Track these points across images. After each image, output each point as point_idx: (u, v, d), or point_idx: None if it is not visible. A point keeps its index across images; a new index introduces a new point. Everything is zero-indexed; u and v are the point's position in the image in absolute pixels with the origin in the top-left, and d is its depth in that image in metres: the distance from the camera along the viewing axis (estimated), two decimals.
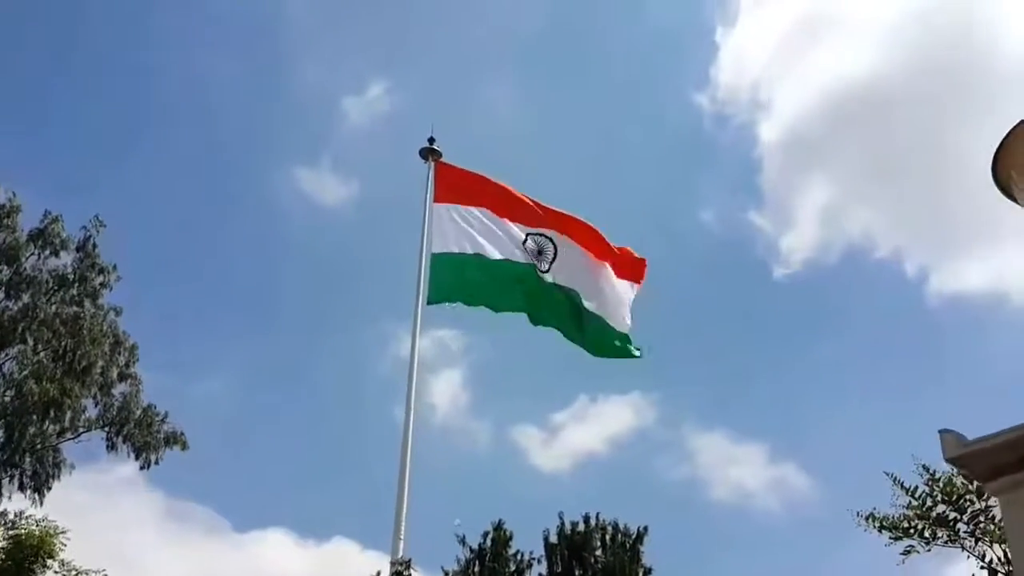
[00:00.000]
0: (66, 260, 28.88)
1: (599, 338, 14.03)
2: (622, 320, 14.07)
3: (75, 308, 28.32)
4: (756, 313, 53.13)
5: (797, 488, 45.31)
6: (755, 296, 53.12)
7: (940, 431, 4.95)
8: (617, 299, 14.16)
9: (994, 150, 5.99)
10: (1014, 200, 6.10)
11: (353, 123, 55.04)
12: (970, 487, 9.42)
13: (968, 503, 9.49)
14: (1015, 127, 5.90)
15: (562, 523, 19.71)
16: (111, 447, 27.67)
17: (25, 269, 28.19)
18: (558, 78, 56.79)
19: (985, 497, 9.38)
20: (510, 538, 19.13)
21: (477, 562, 18.68)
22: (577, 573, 19.01)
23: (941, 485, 9.63)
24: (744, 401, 48.91)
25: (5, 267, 28.05)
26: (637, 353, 14.27)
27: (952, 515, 9.67)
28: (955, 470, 9.02)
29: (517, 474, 44.41)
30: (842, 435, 43.35)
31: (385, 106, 53.43)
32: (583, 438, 47.24)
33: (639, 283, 14.45)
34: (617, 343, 13.97)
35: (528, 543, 19.81)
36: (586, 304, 14.11)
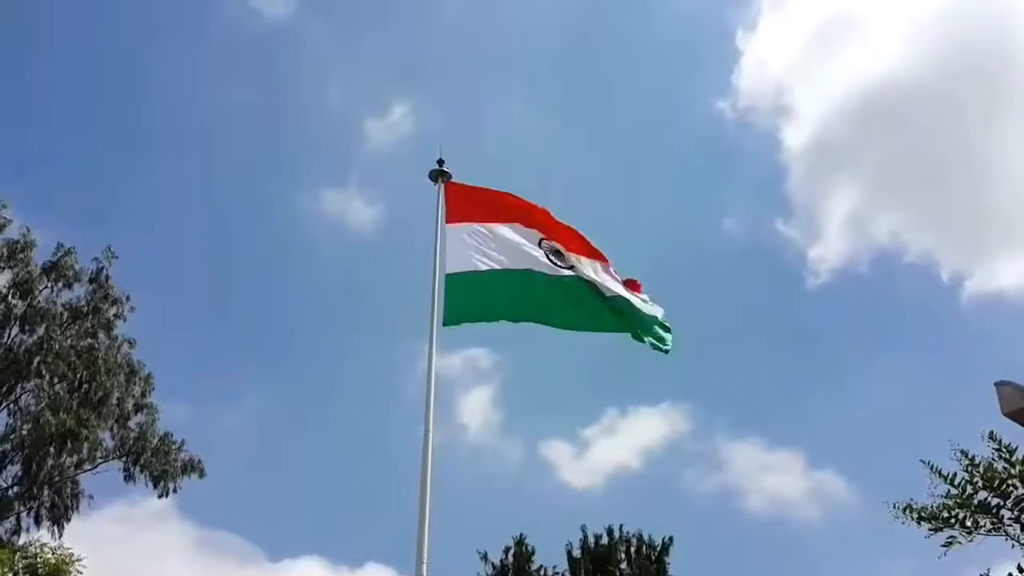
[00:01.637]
0: (79, 292, 28.98)
1: (638, 320, 13.78)
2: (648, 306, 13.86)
3: (89, 340, 28.32)
4: (786, 320, 52.83)
5: (835, 495, 44.57)
6: (784, 303, 52.88)
7: (997, 383, 4.72)
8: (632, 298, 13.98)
9: None
10: None
11: (376, 145, 55.13)
12: (1012, 471, 9.11)
13: (1012, 488, 9.14)
14: None
15: (585, 536, 19.45)
16: (129, 477, 27.59)
17: (39, 302, 28.19)
18: (578, 90, 57.02)
19: None
20: (532, 553, 18.88)
21: None
22: None
23: (981, 471, 9.30)
24: (778, 409, 48.42)
25: (20, 301, 28.06)
26: (667, 345, 13.97)
27: (995, 502, 9.32)
28: (997, 451, 8.74)
29: (548, 490, 44.22)
30: (880, 439, 42.68)
31: (408, 126, 53.48)
32: (614, 452, 46.84)
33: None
34: (656, 327, 13.72)
35: (557, 558, 19.58)
36: (612, 294, 13.90)
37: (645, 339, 13.75)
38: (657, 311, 13.93)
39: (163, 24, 55.69)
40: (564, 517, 38.40)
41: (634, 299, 13.83)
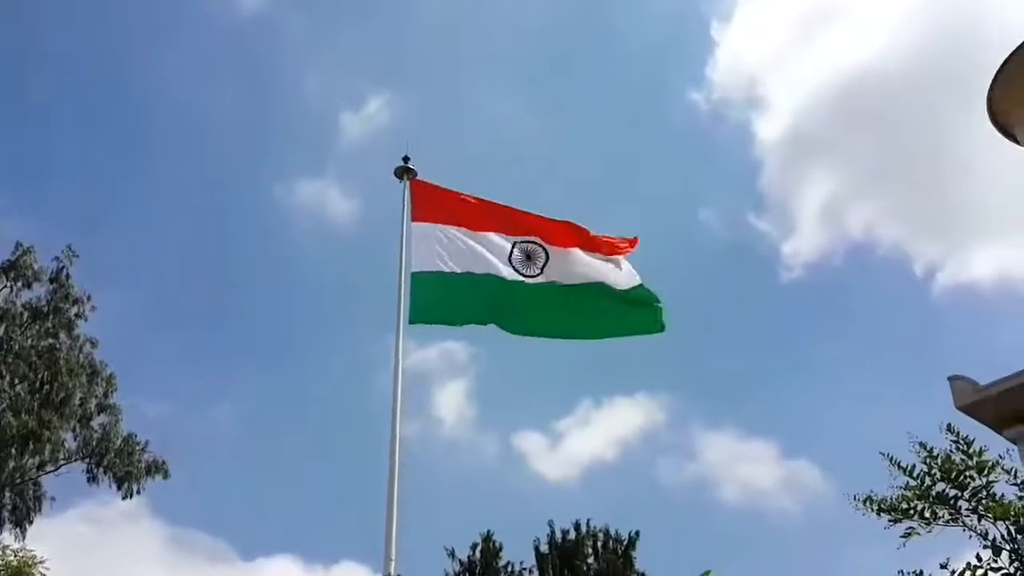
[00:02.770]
0: (40, 292, 28.66)
1: (628, 313, 13.70)
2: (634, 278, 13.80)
3: (51, 340, 28.01)
4: (760, 311, 52.88)
5: (810, 485, 44.74)
6: (759, 294, 52.89)
7: (950, 377, 4.74)
8: (620, 273, 13.90)
9: (989, 86, 5.81)
10: (1013, 138, 5.91)
11: (352, 138, 54.69)
12: (969, 463, 9.19)
13: (969, 479, 9.21)
14: (1011, 56, 5.71)
15: (552, 532, 19.45)
16: (92, 479, 27.35)
17: None
18: (555, 81, 56.60)
19: (986, 473, 9.14)
20: (500, 549, 18.85)
21: (467, 575, 18.41)
22: None
23: (939, 462, 9.36)
24: (752, 400, 48.52)
25: None
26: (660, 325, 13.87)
27: (952, 493, 9.39)
28: (955, 443, 8.81)
29: (522, 483, 44.10)
30: (853, 429, 42.81)
31: (385, 119, 53.13)
32: (588, 443, 46.77)
33: (626, 252, 14.14)
34: (643, 310, 13.64)
35: (528, 553, 19.57)
36: (599, 280, 13.80)
37: (625, 333, 13.72)
38: (635, 280, 13.78)
39: (138, 18, 54.91)
40: (539, 510, 38.46)
41: (617, 281, 13.71)
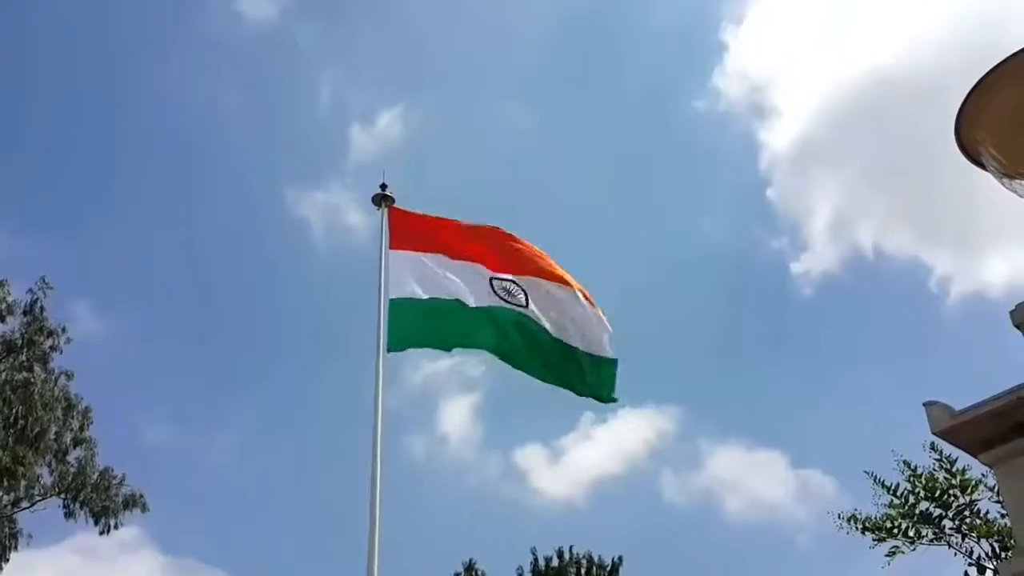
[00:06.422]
0: (13, 325, 28.19)
1: (584, 373, 13.54)
2: (604, 349, 13.62)
3: (25, 374, 27.57)
4: (769, 323, 52.81)
5: (822, 495, 44.40)
6: (767, 305, 52.82)
7: (925, 403, 4.61)
8: (594, 329, 13.73)
9: (956, 114, 5.73)
10: (981, 166, 5.84)
11: (364, 149, 54.44)
12: (953, 482, 9.09)
13: (952, 498, 9.13)
14: (979, 85, 5.62)
15: (536, 559, 19.25)
16: (69, 514, 26.88)
17: None
18: (564, 91, 56.78)
19: (969, 491, 9.04)
20: None
21: None
22: None
23: (923, 481, 9.28)
24: (761, 412, 48.26)
25: None
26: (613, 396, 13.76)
27: (936, 512, 9.30)
28: (938, 461, 8.71)
29: (524, 499, 43.83)
30: (865, 441, 42.59)
31: (396, 132, 52.99)
32: (590, 458, 46.41)
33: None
34: (605, 377, 13.49)
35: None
36: (567, 340, 13.65)
37: (583, 393, 13.57)
38: (605, 347, 13.65)
39: (148, 28, 54.70)
40: (543, 526, 38.17)
41: (582, 340, 13.56)
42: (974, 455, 4.43)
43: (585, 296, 14.00)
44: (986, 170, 5.80)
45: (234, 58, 56.23)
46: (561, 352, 13.57)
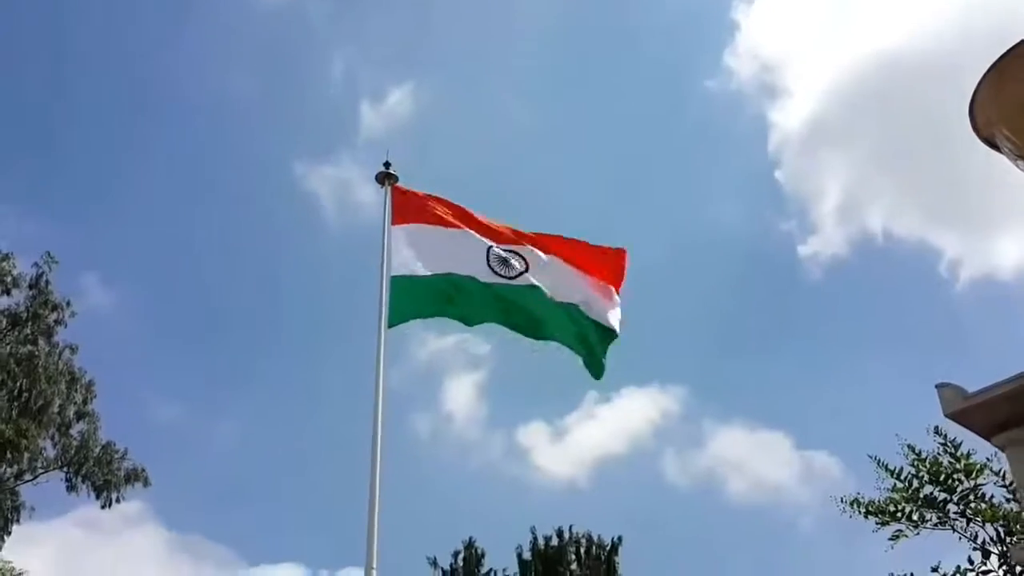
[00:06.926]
0: (19, 298, 28.28)
1: (583, 335, 13.59)
2: (608, 321, 13.62)
3: (29, 347, 27.64)
4: (777, 305, 52.55)
5: (827, 476, 44.25)
6: (776, 286, 52.56)
7: (937, 385, 4.59)
8: (601, 303, 13.74)
9: (970, 98, 5.69)
10: (996, 148, 5.79)
11: (374, 126, 54.20)
12: (957, 466, 9.05)
13: (957, 482, 9.09)
14: (993, 68, 5.59)
15: (535, 538, 19.30)
16: (71, 487, 27.04)
17: None
18: (575, 72, 56.40)
19: (974, 476, 9.01)
20: (482, 556, 18.69)
21: None
22: None
23: (928, 465, 9.23)
24: (768, 394, 48.09)
25: None
26: (601, 366, 13.76)
27: (941, 496, 9.27)
28: (943, 445, 8.68)
29: (526, 477, 43.82)
30: (872, 424, 42.43)
31: (406, 110, 52.75)
32: (593, 437, 46.30)
33: (618, 283, 14.04)
34: (600, 347, 13.50)
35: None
36: (567, 301, 13.67)
37: (580, 355, 13.59)
38: (614, 320, 13.65)
39: (159, 4, 54.49)
40: (545, 504, 38.16)
41: (593, 307, 13.58)
42: (987, 437, 4.42)
43: (592, 272, 14.03)
44: (1000, 152, 5.76)
45: (247, 35, 56.23)
46: (560, 313, 13.62)
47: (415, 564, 18.71)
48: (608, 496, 44.18)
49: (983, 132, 5.86)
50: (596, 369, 13.58)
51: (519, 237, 14.09)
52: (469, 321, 13.99)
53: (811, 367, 51.05)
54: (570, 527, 19.46)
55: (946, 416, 4.76)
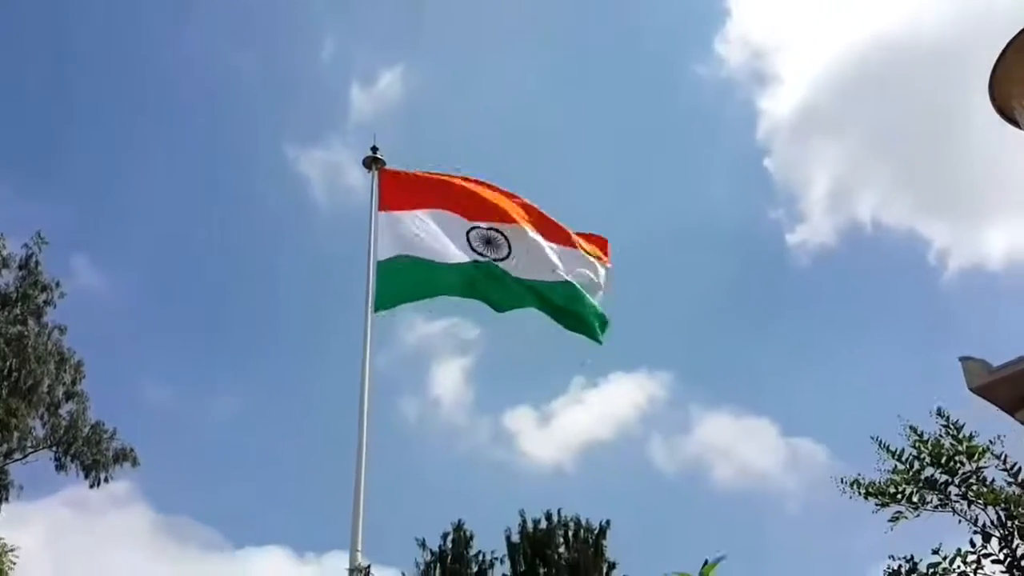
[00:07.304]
0: (8, 279, 28.18)
1: (576, 308, 13.71)
2: (595, 293, 13.77)
3: (19, 327, 27.55)
4: (765, 291, 52.57)
5: (813, 463, 44.29)
6: (764, 273, 52.59)
7: (962, 358, 4.60)
8: (587, 276, 13.86)
9: (990, 72, 5.70)
10: (1015, 123, 5.80)
11: (365, 109, 53.95)
12: (959, 448, 9.10)
13: (959, 464, 9.14)
14: (1012, 43, 5.60)
15: (524, 521, 19.36)
16: (60, 467, 27.00)
17: None
18: (565, 53, 55.94)
19: (976, 458, 9.06)
20: (471, 538, 18.73)
21: (438, 565, 18.25)
22: (541, 571, 18.64)
23: (929, 447, 9.28)
24: (754, 379, 48.12)
25: None
26: (600, 338, 13.91)
27: (943, 478, 9.32)
28: (944, 427, 8.72)
29: (513, 462, 43.88)
30: (861, 411, 42.46)
31: (397, 92, 52.51)
32: (580, 423, 46.35)
33: (604, 260, 14.17)
34: (592, 318, 13.65)
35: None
36: (555, 276, 13.77)
37: (574, 329, 13.69)
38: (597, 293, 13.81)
39: None
40: (532, 490, 38.17)
41: (582, 280, 13.73)
42: (1010, 412, 4.42)
43: (575, 244, 14.15)
44: (1019, 127, 5.77)
45: (236, 15, 55.74)
46: (541, 289, 13.76)
47: (403, 547, 18.75)
48: (595, 481, 44.34)
49: (1003, 107, 5.87)
50: (590, 331, 13.66)
51: (504, 216, 14.15)
52: (451, 294, 14.07)
53: (798, 355, 51.20)
54: (559, 511, 19.54)
55: (970, 389, 4.77)
